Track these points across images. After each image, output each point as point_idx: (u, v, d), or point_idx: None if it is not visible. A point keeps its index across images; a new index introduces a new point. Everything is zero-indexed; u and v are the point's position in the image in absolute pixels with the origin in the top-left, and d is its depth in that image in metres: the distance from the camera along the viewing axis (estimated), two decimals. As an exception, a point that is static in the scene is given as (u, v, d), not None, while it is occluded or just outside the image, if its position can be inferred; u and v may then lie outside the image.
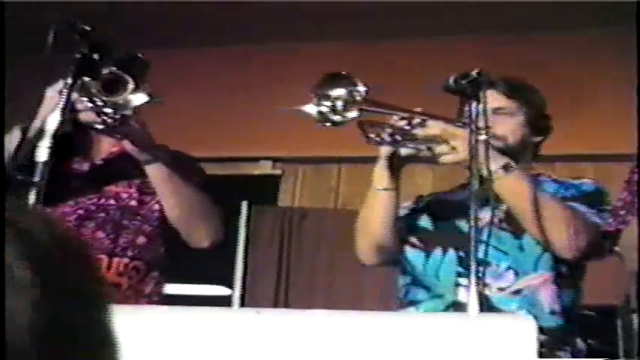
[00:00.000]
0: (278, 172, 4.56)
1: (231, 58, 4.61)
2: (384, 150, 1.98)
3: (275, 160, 4.55)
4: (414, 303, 2.03)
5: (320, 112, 1.81)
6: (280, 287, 4.21)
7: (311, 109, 1.81)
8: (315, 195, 4.47)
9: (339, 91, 1.82)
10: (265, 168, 4.57)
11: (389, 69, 4.20)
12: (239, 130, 4.42)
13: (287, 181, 4.54)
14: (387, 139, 1.93)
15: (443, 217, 2.11)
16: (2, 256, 0.40)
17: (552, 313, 1.93)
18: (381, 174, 2.02)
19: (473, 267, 1.59)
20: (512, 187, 1.90)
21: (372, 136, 1.91)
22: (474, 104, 1.78)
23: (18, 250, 0.44)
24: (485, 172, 1.81)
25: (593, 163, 3.90)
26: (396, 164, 2.01)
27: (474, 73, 1.81)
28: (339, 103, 1.82)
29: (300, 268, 4.25)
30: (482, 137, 1.89)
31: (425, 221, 2.13)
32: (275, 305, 4.08)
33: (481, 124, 1.79)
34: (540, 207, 1.87)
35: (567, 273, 2.00)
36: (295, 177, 4.54)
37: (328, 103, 1.82)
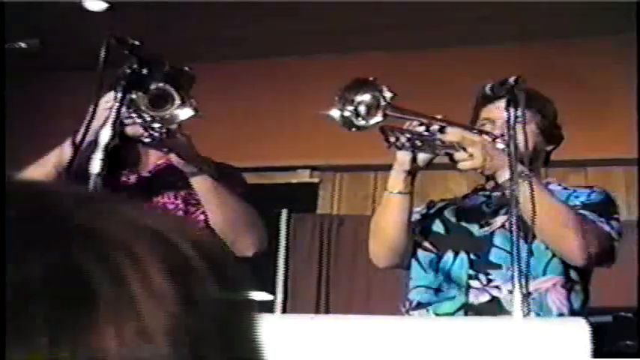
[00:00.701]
0: (316, 180, 4.61)
1: (269, 70, 4.67)
2: (401, 155, 2.01)
3: (312, 168, 4.60)
4: (424, 305, 2.07)
5: (343, 117, 1.86)
6: (321, 292, 4.26)
7: (335, 113, 1.86)
8: (353, 202, 4.51)
9: (364, 96, 1.86)
10: (303, 176, 4.63)
11: (419, 78, 4.23)
12: (277, 140, 4.48)
13: (325, 189, 4.59)
14: (407, 144, 1.96)
15: (454, 221, 2.15)
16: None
17: (560, 315, 1.96)
18: (396, 178, 2.05)
19: (516, 272, 1.62)
20: (528, 195, 1.92)
21: (392, 140, 1.94)
22: (512, 111, 1.81)
23: (155, 257, 0.38)
24: (501, 180, 1.91)
25: (624, 168, 3.88)
26: (412, 169, 2.03)
27: (511, 80, 1.83)
28: (362, 108, 1.86)
29: (340, 273, 4.29)
30: (501, 145, 2.00)
31: (437, 225, 2.16)
32: (316, 310, 4.13)
33: (513, 131, 1.83)
34: (554, 214, 1.89)
35: (576, 278, 2.03)
36: (332, 185, 4.59)
37: (351, 108, 1.86)
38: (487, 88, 1.86)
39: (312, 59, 4.59)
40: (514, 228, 1.69)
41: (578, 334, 1.20)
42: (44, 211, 0.39)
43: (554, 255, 1.99)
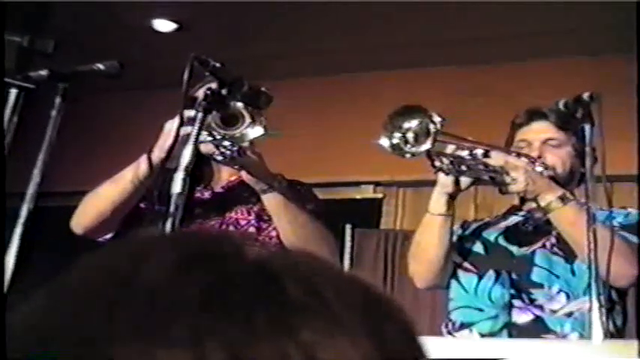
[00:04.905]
0: (379, 195, 4.62)
1: (331, 86, 4.71)
2: (444, 178, 2.04)
3: (376, 184, 4.61)
4: (466, 325, 2.08)
5: (392, 145, 1.89)
6: (386, 308, 4.24)
7: (384, 142, 1.90)
8: (417, 217, 4.47)
9: (411, 123, 1.90)
10: (367, 192, 4.64)
11: (489, 92, 4.21)
12: (340, 156, 4.50)
13: (388, 205, 4.59)
14: (452, 168, 2.00)
15: (494, 241, 2.17)
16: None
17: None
18: (438, 200, 2.08)
19: (594, 292, 1.61)
20: (570, 218, 1.97)
21: (438, 164, 1.98)
22: (587, 127, 1.81)
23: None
24: (543, 203, 1.96)
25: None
26: (453, 192, 2.06)
27: (585, 96, 1.83)
28: (410, 135, 1.89)
29: (404, 288, 4.27)
30: (540, 168, 2.06)
31: (477, 246, 2.18)
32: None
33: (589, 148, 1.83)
34: (597, 237, 1.88)
35: (616, 297, 2.04)
36: (396, 200, 4.58)
37: (399, 135, 1.88)
38: (561, 105, 1.87)
39: (376, 75, 4.60)
40: (591, 248, 1.68)
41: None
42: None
43: (596, 274, 1.98)
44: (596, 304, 1.61)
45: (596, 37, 4.09)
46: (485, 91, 4.27)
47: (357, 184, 4.66)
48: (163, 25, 4.30)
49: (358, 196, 4.66)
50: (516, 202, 2.29)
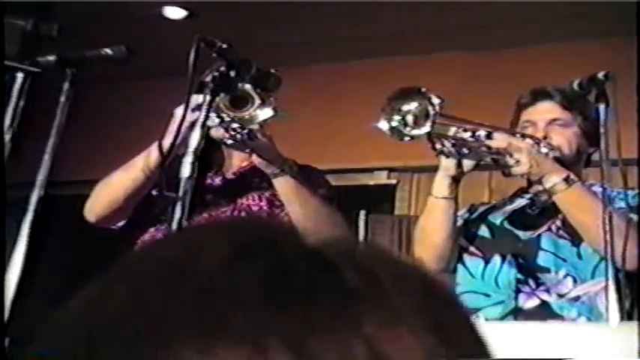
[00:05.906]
0: (393, 181, 4.60)
1: (346, 72, 4.68)
2: (446, 160, 2.02)
3: (390, 170, 4.59)
4: (473, 311, 2.04)
5: (392, 128, 1.87)
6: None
7: (383, 125, 1.88)
8: (431, 203, 4.47)
9: (410, 105, 1.87)
10: (380, 178, 4.62)
11: (499, 78, 4.18)
12: (354, 142, 4.48)
13: (402, 190, 4.57)
14: (453, 151, 1.97)
15: (499, 225, 2.14)
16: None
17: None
18: (441, 183, 2.06)
19: (610, 274, 1.59)
20: (575, 200, 1.94)
21: (439, 147, 1.95)
22: (602, 107, 1.78)
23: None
24: (548, 184, 1.93)
25: None
26: (457, 174, 2.04)
27: (601, 75, 1.80)
28: (410, 118, 1.86)
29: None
30: (545, 149, 2.02)
31: (482, 230, 2.16)
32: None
33: (604, 128, 1.80)
34: (602, 220, 1.84)
35: (624, 280, 1.98)
36: (410, 186, 4.56)
37: (398, 118, 1.86)
38: (575, 84, 1.84)
39: (390, 61, 4.57)
40: (606, 226, 1.65)
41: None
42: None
43: (602, 258, 1.94)
44: (612, 287, 1.59)
45: (605, 20, 4.03)
46: (494, 76, 4.23)
47: (371, 170, 4.63)
48: (173, 12, 4.28)
49: (372, 182, 4.64)
50: (525, 184, 2.27)
